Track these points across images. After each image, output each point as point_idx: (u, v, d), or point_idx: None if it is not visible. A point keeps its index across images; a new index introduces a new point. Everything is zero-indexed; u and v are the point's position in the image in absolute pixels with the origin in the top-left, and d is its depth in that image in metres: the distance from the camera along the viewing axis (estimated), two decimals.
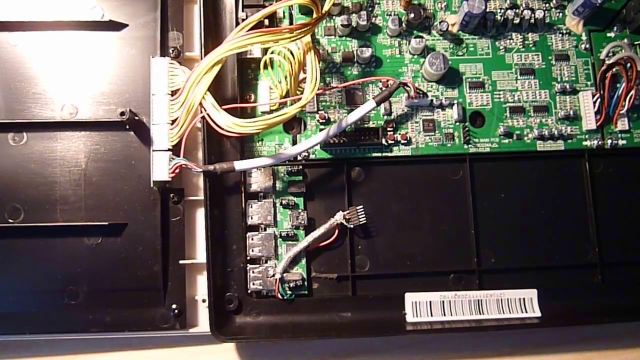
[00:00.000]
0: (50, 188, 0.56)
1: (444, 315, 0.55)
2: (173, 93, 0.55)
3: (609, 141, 0.59)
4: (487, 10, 0.58)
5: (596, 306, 0.57)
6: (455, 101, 0.59)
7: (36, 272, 0.55)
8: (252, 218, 0.57)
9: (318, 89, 0.54)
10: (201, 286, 0.57)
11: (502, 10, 0.60)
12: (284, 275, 0.56)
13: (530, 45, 0.60)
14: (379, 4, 0.60)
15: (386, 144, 0.58)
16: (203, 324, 0.56)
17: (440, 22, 0.59)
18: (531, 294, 0.56)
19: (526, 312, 0.56)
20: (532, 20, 0.60)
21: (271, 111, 0.58)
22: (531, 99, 0.60)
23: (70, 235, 0.55)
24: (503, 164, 0.59)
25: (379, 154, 0.58)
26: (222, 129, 0.53)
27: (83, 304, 0.55)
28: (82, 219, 0.55)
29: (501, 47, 0.60)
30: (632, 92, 0.58)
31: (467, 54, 0.60)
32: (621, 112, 0.59)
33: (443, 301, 0.56)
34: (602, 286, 0.58)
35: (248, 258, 0.56)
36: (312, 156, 0.58)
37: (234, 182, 0.57)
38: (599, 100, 0.59)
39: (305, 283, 0.56)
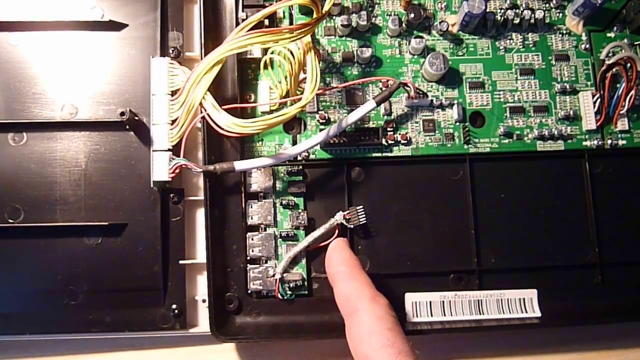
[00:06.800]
0: (50, 188, 0.56)
1: (444, 315, 0.55)
2: (173, 93, 0.55)
3: (609, 141, 0.59)
4: (487, 10, 0.58)
5: (596, 306, 0.57)
6: (455, 101, 0.59)
7: (36, 272, 0.55)
8: (252, 218, 0.56)
9: (318, 89, 0.54)
10: (201, 286, 0.57)
11: (502, 10, 0.60)
12: (284, 275, 0.56)
13: (530, 46, 0.60)
14: (379, 4, 0.60)
15: (386, 144, 0.58)
16: (203, 324, 0.56)
17: (440, 22, 0.59)
18: (531, 294, 0.56)
19: (526, 312, 0.56)
20: (532, 21, 0.60)
21: (271, 111, 0.58)
22: (531, 99, 0.60)
23: (70, 235, 0.55)
24: (503, 164, 0.59)
25: (379, 154, 0.58)
26: (222, 129, 0.53)
27: (83, 304, 0.55)
28: (82, 219, 0.55)
29: (501, 47, 0.60)
30: (632, 92, 0.58)
31: (467, 54, 0.60)
32: (621, 112, 0.59)
33: (443, 301, 0.56)
34: (602, 286, 0.58)
35: (248, 258, 0.56)
36: (312, 156, 0.58)
37: (234, 182, 0.57)
38: (599, 100, 0.59)
39: (305, 283, 0.56)
